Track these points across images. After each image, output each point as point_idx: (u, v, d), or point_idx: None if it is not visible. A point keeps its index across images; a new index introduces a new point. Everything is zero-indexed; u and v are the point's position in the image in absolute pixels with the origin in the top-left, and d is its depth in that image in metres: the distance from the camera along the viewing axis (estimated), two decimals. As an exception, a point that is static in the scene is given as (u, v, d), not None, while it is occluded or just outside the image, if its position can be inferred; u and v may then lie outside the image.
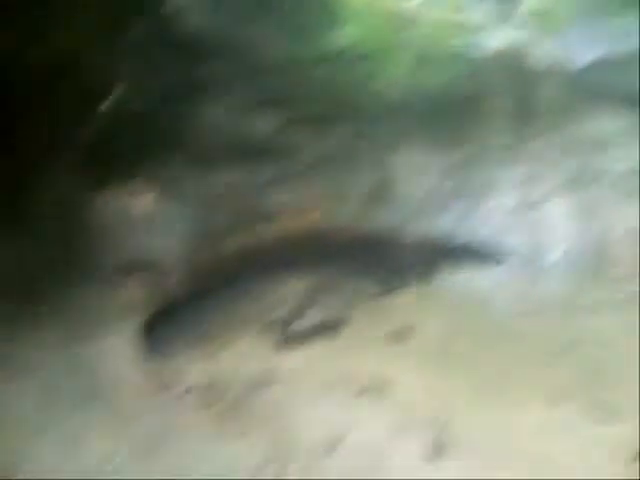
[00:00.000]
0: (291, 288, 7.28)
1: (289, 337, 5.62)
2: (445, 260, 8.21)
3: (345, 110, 8.48)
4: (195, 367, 5.16)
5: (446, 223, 9.09)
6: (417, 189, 9.01)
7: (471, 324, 6.36)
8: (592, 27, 9.63)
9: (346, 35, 8.24)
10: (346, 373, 4.96)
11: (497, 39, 9.21)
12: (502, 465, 3.61)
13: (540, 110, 9.56)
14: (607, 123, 9.78)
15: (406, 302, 7.14)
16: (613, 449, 3.92)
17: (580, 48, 9.53)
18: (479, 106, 9.24)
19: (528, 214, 9.32)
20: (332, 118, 8.36)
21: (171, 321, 5.96)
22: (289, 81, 7.84)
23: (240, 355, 5.46)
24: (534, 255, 9.07)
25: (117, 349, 5.11)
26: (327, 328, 5.88)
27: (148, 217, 6.51)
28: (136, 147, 6.35)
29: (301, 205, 8.26)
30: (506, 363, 5.31)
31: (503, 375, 5.07)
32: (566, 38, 9.54)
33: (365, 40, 8.47)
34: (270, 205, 7.93)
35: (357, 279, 7.77)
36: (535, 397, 4.62)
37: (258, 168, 7.82)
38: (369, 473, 3.51)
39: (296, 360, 5.31)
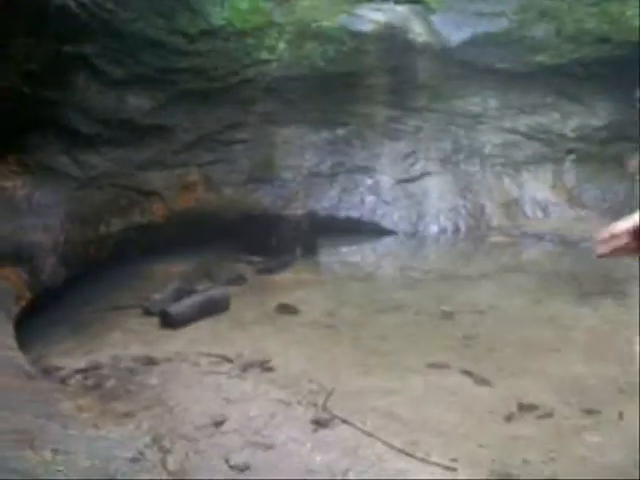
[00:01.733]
0: (175, 268, 7.21)
1: (173, 317, 5.56)
2: (330, 235, 8.33)
3: (226, 87, 8.41)
4: (77, 351, 5.03)
5: (329, 199, 9.22)
6: (300, 166, 9.08)
7: (355, 297, 6.51)
8: (465, 7, 9.93)
9: (225, 11, 8.14)
10: (231, 350, 4.96)
11: (376, 16, 9.34)
12: (387, 431, 3.71)
13: (417, 87, 9.80)
14: (479, 101, 10.13)
15: (291, 278, 7.21)
16: (491, 409, 4.11)
17: (454, 27, 9.80)
18: (360, 82, 9.38)
19: (408, 189, 9.58)
20: (213, 95, 8.27)
21: (50, 305, 5.80)
22: (167, 58, 7.68)
23: (124, 337, 5.37)
24: (415, 229, 9.35)
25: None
26: (212, 307, 5.86)
27: (22, 200, 6.26)
28: (7, 129, 6.07)
29: (184, 184, 8.17)
30: (388, 333, 5.47)
31: (386, 345, 5.21)
32: (442, 17, 9.79)
33: (244, 16, 8.39)
34: (151, 185, 7.79)
35: (241, 257, 7.78)
36: (416, 364, 4.77)
37: (137, 147, 7.66)
38: (256, 448, 3.53)
39: (180, 339, 5.27)
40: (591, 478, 3.30)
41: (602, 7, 9.86)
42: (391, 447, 3.59)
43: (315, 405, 4.06)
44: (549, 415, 4.03)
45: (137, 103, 7.62)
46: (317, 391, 4.26)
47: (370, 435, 3.71)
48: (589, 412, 4.00)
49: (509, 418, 4.01)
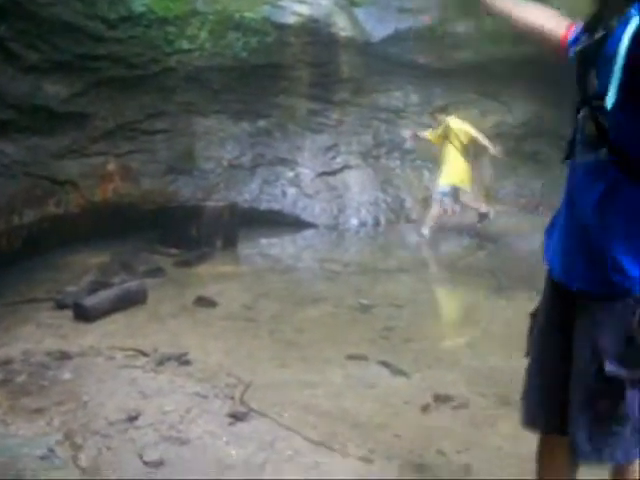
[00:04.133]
0: (91, 260, 7.04)
1: (88, 310, 5.42)
2: (251, 228, 8.29)
3: (146, 76, 8.24)
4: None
5: (253, 191, 9.17)
6: (221, 157, 9.00)
7: (274, 290, 6.48)
8: (389, 2, 10.01)
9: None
10: (147, 344, 4.88)
11: (300, 9, 9.32)
12: (304, 424, 3.71)
13: (340, 81, 9.84)
14: (401, 96, 10.26)
15: (209, 270, 7.14)
16: (408, 400, 4.16)
17: (378, 22, 9.87)
18: (282, 75, 9.35)
19: (329, 182, 9.62)
20: (132, 84, 8.09)
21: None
22: (85, 44, 7.46)
23: (36, 330, 5.21)
24: (335, 222, 9.40)
25: None
26: (128, 299, 5.74)
27: None
28: None
29: (101, 174, 7.98)
30: (307, 326, 5.47)
31: (304, 338, 5.22)
32: (366, 11, 9.84)
33: (166, 4, 8.24)
34: (67, 174, 7.58)
35: (160, 249, 7.66)
36: (335, 356, 4.79)
37: (53, 135, 7.42)
38: (171, 443, 3.47)
39: (95, 333, 5.14)
40: (505, 467, 3.37)
41: (523, 5, 10.09)
42: (308, 440, 3.59)
43: (232, 399, 4.02)
44: (464, 406, 4.11)
45: (53, 90, 7.37)
46: (234, 384, 4.23)
47: (288, 428, 3.70)
48: (504, 403, 4.08)
49: (425, 409, 4.07)
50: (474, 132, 8.99)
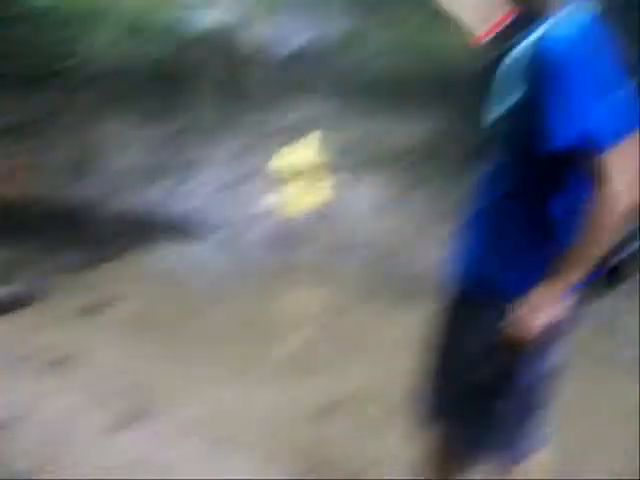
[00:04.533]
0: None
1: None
2: (148, 234, 8.10)
3: (46, 74, 8.02)
4: None
5: (151, 197, 8.97)
6: (122, 161, 8.80)
7: (169, 296, 6.33)
8: (301, 12, 10.08)
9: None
10: (37, 347, 4.70)
11: (208, 18, 9.30)
12: (195, 431, 3.65)
13: (248, 89, 9.82)
14: (312, 108, 10.30)
15: (106, 275, 6.92)
16: (302, 407, 4.15)
17: (289, 31, 9.91)
18: (188, 80, 9.26)
19: (235, 191, 9.52)
20: (33, 83, 7.86)
21: None
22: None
23: None
24: (238, 231, 9.29)
25: None
26: (15, 303, 5.51)
27: None
28: None
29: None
30: (202, 336, 5.37)
31: (199, 347, 5.12)
32: (275, 23, 9.88)
33: (69, 3, 8.07)
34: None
35: (55, 252, 7.39)
36: (228, 365, 4.73)
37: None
38: (55, 447, 3.35)
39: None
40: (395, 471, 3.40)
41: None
42: (203, 444, 3.54)
43: (122, 404, 3.92)
44: (354, 412, 4.12)
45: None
46: (125, 390, 4.12)
47: (178, 432, 3.63)
48: (393, 407, 4.07)
49: (318, 416, 4.06)
50: None
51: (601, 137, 1.99)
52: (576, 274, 2.10)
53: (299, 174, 9.12)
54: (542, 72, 2.01)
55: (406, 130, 10.61)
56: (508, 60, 2.10)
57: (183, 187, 9.23)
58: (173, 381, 4.39)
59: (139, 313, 5.80)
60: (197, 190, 9.27)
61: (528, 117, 2.05)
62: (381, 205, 10.37)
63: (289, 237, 9.43)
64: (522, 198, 2.15)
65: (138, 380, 4.29)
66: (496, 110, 2.12)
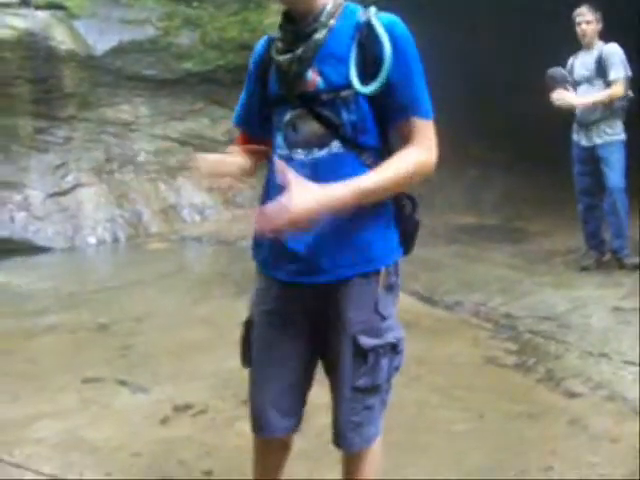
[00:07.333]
0: None
1: None
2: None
3: None
4: None
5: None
6: None
7: (2, 321, 6.05)
8: (110, 14, 9.82)
9: None
10: None
11: (14, 22, 8.86)
12: (37, 459, 3.55)
13: (64, 97, 9.46)
14: (129, 108, 10.09)
15: None
16: (146, 415, 4.11)
17: (99, 34, 9.63)
18: (1, 92, 8.79)
19: (61, 202, 9.19)
20: None
21: None
22: None
23: None
24: (71, 243, 9.00)
25: None
26: None
27: None
28: None
29: None
30: (40, 356, 5.20)
31: (37, 368, 4.95)
32: (86, 24, 9.55)
33: None
34: None
35: None
36: (69, 382, 4.62)
37: None
38: None
39: None
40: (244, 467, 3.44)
41: (243, 16, 10.41)
42: (42, 475, 3.43)
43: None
44: (203, 412, 4.17)
45: None
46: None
47: (18, 466, 3.51)
48: (241, 403, 4.15)
49: (164, 421, 4.07)
50: None
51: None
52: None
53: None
54: None
55: (227, 126, 10.64)
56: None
57: (10, 204, 8.84)
58: (8, 414, 4.21)
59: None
60: (26, 205, 8.91)
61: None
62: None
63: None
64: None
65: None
66: (372, 85, 2.22)
